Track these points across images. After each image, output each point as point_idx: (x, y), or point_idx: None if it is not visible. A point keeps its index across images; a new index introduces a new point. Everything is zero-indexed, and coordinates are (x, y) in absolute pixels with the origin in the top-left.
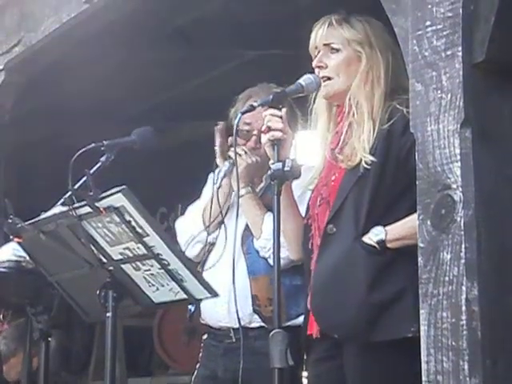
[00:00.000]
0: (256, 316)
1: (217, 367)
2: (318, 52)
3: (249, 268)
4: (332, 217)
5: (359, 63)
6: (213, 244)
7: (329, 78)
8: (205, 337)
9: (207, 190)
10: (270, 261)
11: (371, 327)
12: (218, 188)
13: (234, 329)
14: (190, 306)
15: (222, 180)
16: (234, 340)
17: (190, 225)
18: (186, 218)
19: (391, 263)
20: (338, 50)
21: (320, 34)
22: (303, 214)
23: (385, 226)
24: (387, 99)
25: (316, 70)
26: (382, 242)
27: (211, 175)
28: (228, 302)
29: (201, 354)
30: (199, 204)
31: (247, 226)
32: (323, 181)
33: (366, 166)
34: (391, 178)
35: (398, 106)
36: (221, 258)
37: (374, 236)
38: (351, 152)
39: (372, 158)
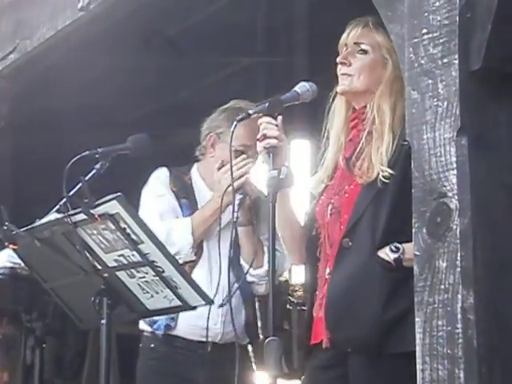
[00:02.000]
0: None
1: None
2: (346, 50)
3: (242, 293)
4: (348, 231)
5: (384, 70)
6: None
7: (349, 75)
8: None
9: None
10: (261, 288)
11: (384, 341)
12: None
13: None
14: (168, 321)
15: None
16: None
17: (177, 239)
18: (171, 228)
19: (405, 280)
20: (365, 52)
21: (353, 32)
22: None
23: (401, 242)
24: None
25: (338, 67)
26: (398, 260)
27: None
28: (214, 318)
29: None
30: (184, 218)
31: (235, 250)
32: (335, 189)
33: (384, 180)
34: (410, 194)
35: None
36: (205, 277)
37: (391, 253)
38: (368, 166)
39: (390, 171)
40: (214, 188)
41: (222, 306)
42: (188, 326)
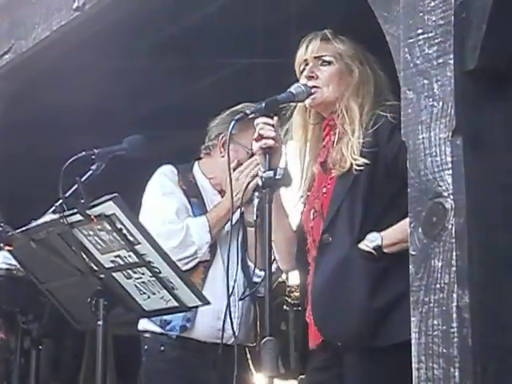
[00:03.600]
0: None
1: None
2: (306, 65)
3: (251, 294)
4: (327, 226)
5: (350, 77)
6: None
7: (318, 88)
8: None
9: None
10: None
11: (373, 333)
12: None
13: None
14: (183, 322)
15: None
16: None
17: (196, 238)
18: (189, 227)
19: (389, 268)
20: (329, 63)
21: (311, 47)
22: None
23: (380, 231)
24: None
25: (303, 81)
26: (378, 248)
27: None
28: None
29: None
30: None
31: (244, 251)
32: (314, 194)
33: (357, 168)
34: (382, 183)
35: (381, 113)
36: (221, 277)
37: (369, 242)
38: (340, 158)
39: (364, 160)
40: (224, 187)
41: (241, 299)
42: (206, 327)
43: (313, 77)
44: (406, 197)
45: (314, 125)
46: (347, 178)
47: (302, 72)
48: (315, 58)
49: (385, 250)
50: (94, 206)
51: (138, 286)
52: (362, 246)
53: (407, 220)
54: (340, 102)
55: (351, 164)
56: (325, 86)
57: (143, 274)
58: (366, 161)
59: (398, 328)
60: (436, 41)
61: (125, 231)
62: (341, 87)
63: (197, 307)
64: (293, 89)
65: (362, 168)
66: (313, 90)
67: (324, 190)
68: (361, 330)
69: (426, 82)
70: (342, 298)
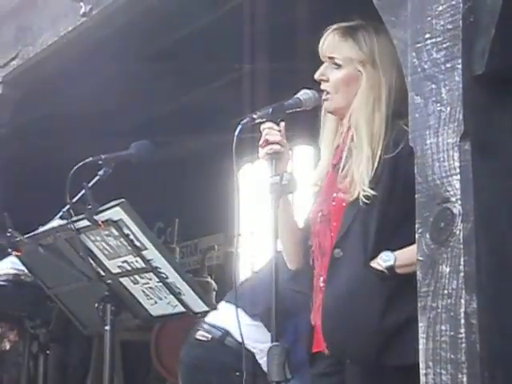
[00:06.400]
0: None
1: None
2: (324, 61)
3: None
4: (338, 241)
5: (359, 82)
6: None
7: (328, 93)
8: None
9: None
10: None
11: (383, 352)
12: None
13: None
14: None
15: None
16: None
17: None
18: None
19: (401, 289)
20: (339, 66)
21: (326, 44)
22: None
23: (393, 250)
24: (394, 119)
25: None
26: (391, 268)
27: None
28: None
29: None
30: None
31: None
32: (323, 195)
33: (364, 200)
34: (399, 201)
35: (404, 127)
36: None
37: (383, 262)
38: (350, 182)
39: (372, 192)
40: None
41: None
42: None
43: (324, 79)
44: None
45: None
46: (356, 201)
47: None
48: (329, 58)
49: (397, 271)
50: (101, 212)
51: (145, 291)
52: (374, 264)
53: None
54: (348, 111)
55: (359, 193)
56: (334, 93)
57: (150, 279)
58: (373, 193)
59: (406, 350)
60: (444, 45)
61: (132, 237)
62: (350, 93)
63: (204, 313)
64: (300, 95)
65: (368, 201)
66: (323, 98)
67: (334, 196)
68: (369, 350)
69: (433, 86)
70: (353, 316)
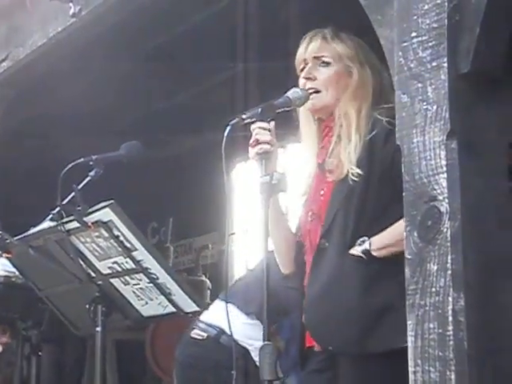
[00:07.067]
0: None
1: None
2: (306, 64)
3: None
4: (324, 232)
5: (349, 79)
6: None
7: (317, 91)
8: None
9: None
10: None
11: (365, 338)
12: None
13: None
14: None
15: None
16: None
17: None
18: None
19: (380, 273)
20: (328, 64)
21: (311, 46)
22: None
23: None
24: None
25: (302, 82)
26: (367, 252)
27: None
28: None
29: None
30: None
31: None
32: (312, 196)
33: (353, 178)
34: (376, 190)
35: (378, 117)
36: None
37: (358, 247)
38: (337, 164)
39: (358, 171)
40: None
41: None
42: None
43: (311, 78)
44: (400, 203)
45: (315, 124)
46: (344, 184)
47: (301, 70)
48: (315, 57)
49: (375, 254)
50: (91, 213)
51: (136, 292)
52: (352, 251)
53: (397, 224)
54: (338, 106)
55: (347, 172)
56: (324, 90)
57: (140, 280)
58: (360, 171)
59: (391, 334)
60: (430, 44)
61: (122, 238)
62: (339, 90)
63: (194, 313)
64: (290, 94)
65: (357, 179)
66: (312, 96)
67: (321, 193)
68: (350, 335)
69: (420, 85)
70: (333, 303)
